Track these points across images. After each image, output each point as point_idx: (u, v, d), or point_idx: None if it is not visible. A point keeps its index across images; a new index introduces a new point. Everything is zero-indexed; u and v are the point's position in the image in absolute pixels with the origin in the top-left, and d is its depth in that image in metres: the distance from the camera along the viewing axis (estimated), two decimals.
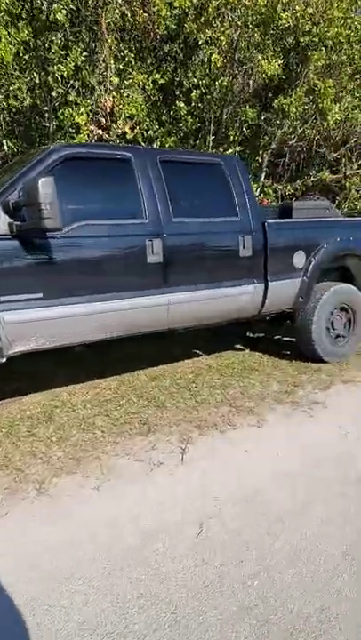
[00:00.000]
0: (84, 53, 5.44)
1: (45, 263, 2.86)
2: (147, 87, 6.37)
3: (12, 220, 2.73)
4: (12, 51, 5.50)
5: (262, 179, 7.11)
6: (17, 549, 2.08)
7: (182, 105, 6.25)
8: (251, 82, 6.80)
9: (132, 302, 3.20)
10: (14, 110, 5.59)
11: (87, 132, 5.27)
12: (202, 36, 5.75)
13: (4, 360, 2.85)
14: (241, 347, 4.95)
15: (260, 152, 6.93)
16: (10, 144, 5.54)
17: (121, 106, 5.80)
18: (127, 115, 5.86)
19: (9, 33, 4.93)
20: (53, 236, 2.87)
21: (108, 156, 3.21)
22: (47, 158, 2.94)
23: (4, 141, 5.57)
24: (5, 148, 5.52)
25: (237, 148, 6.75)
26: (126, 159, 3.24)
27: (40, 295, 2.86)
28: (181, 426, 3.15)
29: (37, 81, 5.50)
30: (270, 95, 6.88)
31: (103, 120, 5.40)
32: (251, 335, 5.39)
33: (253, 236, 3.72)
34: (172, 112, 6.51)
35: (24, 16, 4.93)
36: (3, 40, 5.07)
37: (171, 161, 3.46)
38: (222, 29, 5.65)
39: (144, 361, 4.42)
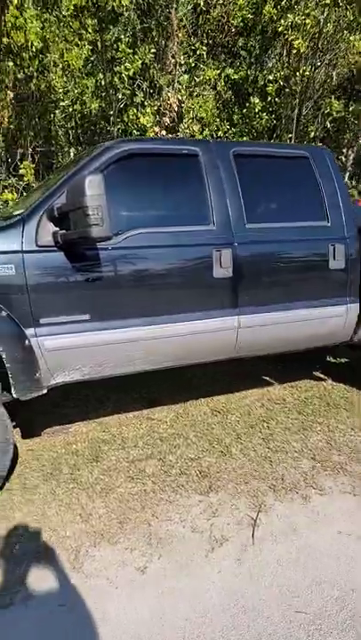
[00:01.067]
0: (153, 50, 5.05)
1: (93, 279, 2.39)
2: (218, 85, 5.89)
3: (56, 229, 2.29)
4: (81, 55, 5.26)
5: (346, 179, 6.32)
6: None
7: (257, 101, 5.67)
8: (335, 73, 6.06)
9: (193, 326, 2.64)
10: (79, 115, 5.33)
11: (152, 133, 4.86)
12: (282, 22, 5.14)
13: (45, 392, 2.40)
14: (321, 375, 4.21)
15: (345, 149, 6.15)
16: (75, 151, 5.26)
17: (189, 104, 5.34)
18: (196, 116, 5.41)
19: (78, 34, 4.67)
20: (104, 248, 2.40)
21: (172, 151, 2.69)
22: (101, 156, 2.49)
23: (72, 150, 5.32)
24: (72, 155, 5.24)
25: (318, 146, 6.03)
26: (193, 155, 2.71)
27: (86, 317, 2.40)
28: (251, 484, 2.53)
29: (103, 83, 5.20)
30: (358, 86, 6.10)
31: (169, 120, 4.95)
32: (332, 360, 4.62)
33: (347, 244, 3.02)
34: (244, 110, 5.96)
35: (90, 8, 4.61)
36: (71, 45, 4.85)
37: (246, 155, 2.88)
38: (306, 11, 5.00)
39: (205, 387, 3.85)
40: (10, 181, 4.95)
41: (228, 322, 2.73)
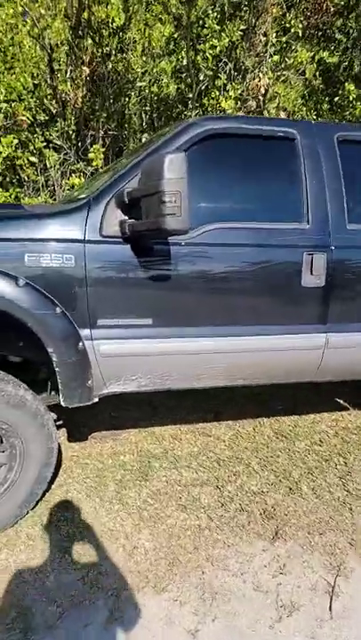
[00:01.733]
0: (242, 27, 4.62)
1: (161, 279, 2.06)
2: (308, 71, 5.36)
3: (125, 218, 1.98)
4: (162, 33, 4.95)
5: None
6: None
7: (352, 88, 5.09)
8: None
9: (272, 342, 2.25)
10: (156, 98, 5.01)
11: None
12: None
13: (96, 400, 2.11)
14: None
15: None
16: (149, 137, 4.94)
17: (276, 89, 4.87)
18: (279, 105, 4.93)
19: (163, 4, 4.33)
20: (175, 243, 2.05)
21: (265, 133, 2.27)
22: (182, 134, 2.13)
23: (144, 135, 5.01)
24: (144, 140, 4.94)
25: None
26: (290, 138, 2.28)
27: (149, 322, 2.07)
28: (327, 536, 2.11)
29: (185, 62, 4.83)
30: None
31: (254, 104, 4.51)
32: None
33: None
34: (336, 98, 5.39)
35: None
36: (154, 20, 4.55)
37: (353, 141, 2.40)
38: None
39: (268, 405, 3.44)
40: (78, 166, 4.75)
41: (313, 340, 2.30)
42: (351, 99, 5.20)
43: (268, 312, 2.24)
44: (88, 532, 2.11)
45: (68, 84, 4.14)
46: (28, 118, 4.34)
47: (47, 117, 4.47)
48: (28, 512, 2.14)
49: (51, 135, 4.58)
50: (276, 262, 2.23)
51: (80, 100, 4.25)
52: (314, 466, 2.68)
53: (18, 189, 4.57)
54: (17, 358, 2.27)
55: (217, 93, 4.19)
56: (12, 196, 4.53)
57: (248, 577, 1.89)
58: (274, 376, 2.44)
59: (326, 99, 5.66)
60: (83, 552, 1.99)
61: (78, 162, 4.78)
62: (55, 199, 4.76)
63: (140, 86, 4.45)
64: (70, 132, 4.68)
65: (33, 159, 4.41)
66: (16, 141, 4.17)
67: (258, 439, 3.02)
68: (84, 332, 1.99)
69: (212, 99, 4.35)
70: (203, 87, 4.47)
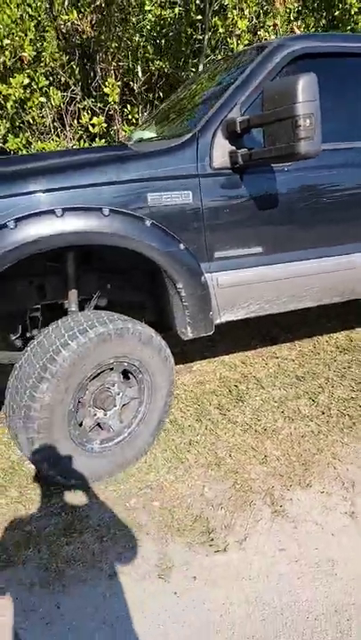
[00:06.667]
0: None
1: (269, 207, 2.12)
2: None
3: (233, 148, 1.99)
4: None
5: None
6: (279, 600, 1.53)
7: (354, 1, 4.91)
8: None
9: None
10: (161, 22, 4.61)
11: (247, 39, 4.26)
12: None
13: (212, 332, 2.23)
14: None
15: None
16: (158, 65, 4.64)
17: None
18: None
19: None
20: (280, 169, 2.10)
21: None
22: (272, 57, 2.11)
23: (156, 63, 4.63)
24: (153, 69, 4.65)
25: None
26: None
27: (260, 250, 2.16)
28: None
29: None
30: None
31: (279, 23, 4.27)
32: None
33: None
34: (336, 12, 5.20)
35: None
36: None
37: None
38: None
39: (318, 323, 3.65)
40: (86, 103, 4.49)
41: None
42: (353, 12, 5.05)
43: None
44: (216, 448, 2.30)
45: (75, 12, 3.81)
46: (29, 55, 4.02)
47: (50, 52, 4.14)
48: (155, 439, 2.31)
49: (53, 72, 4.28)
50: None
51: (89, 28, 3.94)
52: None
53: (27, 134, 4.32)
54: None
55: (234, 13, 3.97)
56: (22, 142, 4.29)
57: None
58: None
59: (323, 14, 5.46)
60: (221, 464, 2.19)
61: (85, 99, 4.53)
62: (66, 142, 4.54)
63: (146, 9, 4.13)
64: (75, 67, 4.38)
65: (42, 99, 4.14)
66: (27, 81, 3.89)
67: (323, 355, 3.25)
68: (204, 266, 2.06)
69: (230, 17, 4.08)
70: (216, 6, 4.21)
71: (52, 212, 1.74)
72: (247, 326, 3.65)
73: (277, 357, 3.27)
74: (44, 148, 4.30)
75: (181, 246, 1.97)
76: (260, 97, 1.97)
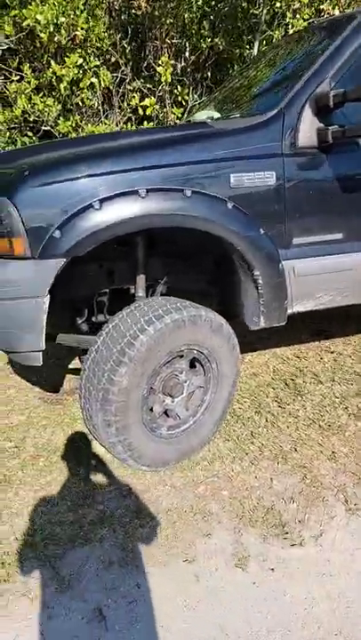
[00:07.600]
0: None
1: (355, 190, 2.02)
2: None
3: (322, 125, 1.89)
4: None
5: None
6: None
7: None
8: None
9: None
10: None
11: (306, 14, 4.06)
12: None
13: (285, 323, 2.15)
14: None
15: None
16: (211, 42, 4.48)
17: None
18: None
19: None
20: None
21: None
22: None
23: (207, 40, 4.48)
24: (203, 46, 4.50)
25: None
26: None
27: (340, 236, 2.07)
28: None
29: None
30: None
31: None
32: None
33: None
34: None
35: None
36: None
37: None
38: None
39: None
40: (135, 84, 4.40)
41: None
42: None
43: None
44: (280, 441, 2.24)
45: None
46: (81, 34, 3.95)
47: (100, 31, 4.05)
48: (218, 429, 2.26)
49: (103, 51, 4.19)
50: None
51: (144, 2, 3.83)
52: None
53: (77, 117, 4.26)
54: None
55: None
56: (73, 125, 4.24)
57: None
58: None
59: None
60: (287, 458, 2.13)
61: (135, 80, 4.44)
62: (115, 125, 4.47)
63: None
64: (126, 46, 4.29)
65: (94, 80, 4.07)
66: (81, 60, 3.83)
67: None
68: (282, 253, 1.98)
69: None
70: None
71: (135, 192, 1.68)
72: (295, 319, 3.55)
73: (332, 352, 3.17)
74: (93, 132, 4.24)
75: (261, 231, 1.89)
76: (350, 70, 1.87)
